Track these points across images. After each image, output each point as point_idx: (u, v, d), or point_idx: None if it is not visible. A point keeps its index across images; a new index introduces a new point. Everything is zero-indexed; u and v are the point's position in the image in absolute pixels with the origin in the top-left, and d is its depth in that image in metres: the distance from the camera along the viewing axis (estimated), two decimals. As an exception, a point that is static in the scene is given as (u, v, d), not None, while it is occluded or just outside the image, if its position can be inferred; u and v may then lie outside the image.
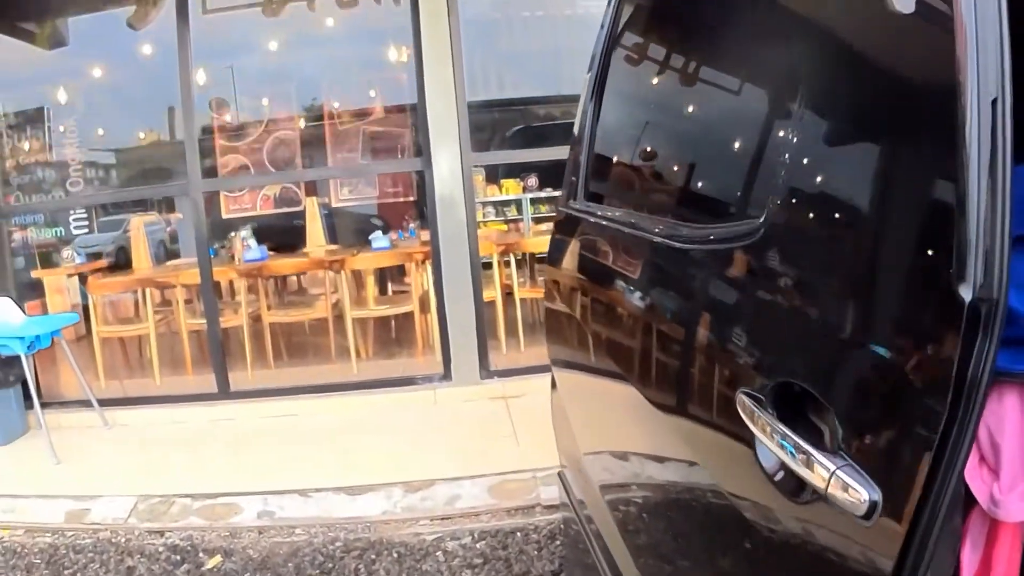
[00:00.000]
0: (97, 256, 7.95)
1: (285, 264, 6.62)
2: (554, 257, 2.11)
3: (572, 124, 2.12)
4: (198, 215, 5.26)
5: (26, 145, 6.72)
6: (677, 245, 1.31)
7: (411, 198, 8.36)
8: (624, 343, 1.59)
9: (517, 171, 8.37)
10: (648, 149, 1.81)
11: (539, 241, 6.07)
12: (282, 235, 7.64)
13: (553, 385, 2.30)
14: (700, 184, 1.50)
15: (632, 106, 1.97)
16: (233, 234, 7.06)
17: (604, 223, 1.80)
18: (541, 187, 8.37)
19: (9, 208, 5.84)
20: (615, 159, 2.05)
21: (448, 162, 4.97)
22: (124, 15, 5.92)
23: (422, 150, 5.11)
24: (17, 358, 4.91)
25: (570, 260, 2.00)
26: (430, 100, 4.96)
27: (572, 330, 1.99)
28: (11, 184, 6.30)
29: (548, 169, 7.17)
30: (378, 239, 6.41)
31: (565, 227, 2.07)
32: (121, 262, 8.29)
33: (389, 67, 7.82)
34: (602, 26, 1.98)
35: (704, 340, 1.17)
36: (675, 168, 1.68)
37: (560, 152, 3.81)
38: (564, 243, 2.04)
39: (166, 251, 8.92)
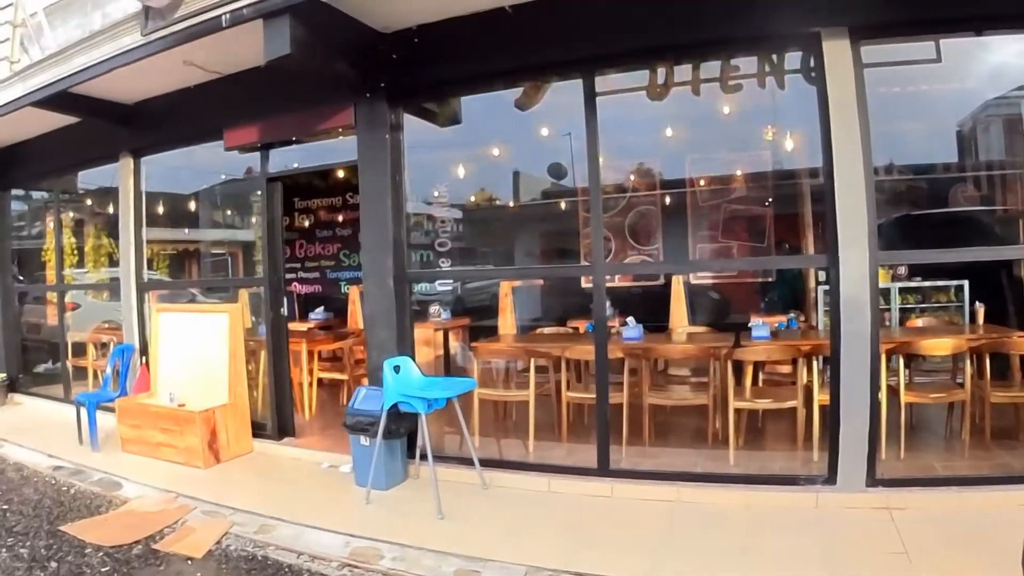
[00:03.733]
0: (461, 313, 8.78)
1: (671, 349, 6.87)
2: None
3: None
4: (599, 295, 5.66)
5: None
6: None
7: (769, 279, 8.43)
8: None
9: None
10: None
11: (936, 343, 5.83)
12: (642, 309, 7.97)
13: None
14: None
15: None
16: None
17: None
18: (911, 276, 8.05)
19: (414, 274, 6.65)
20: None
21: (856, 261, 4.93)
22: (512, 96, 6.52)
23: (811, 244, 5.10)
24: (411, 412, 5.54)
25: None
26: (840, 199, 4.96)
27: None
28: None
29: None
30: (758, 328, 6.47)
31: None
32: (483, 320, 9.07)
33: (756, 148, 8.00)
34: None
35: None
36: None
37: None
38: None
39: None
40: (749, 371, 6.27)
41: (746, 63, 6.04)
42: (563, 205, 9.55)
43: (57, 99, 7.42)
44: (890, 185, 8.47)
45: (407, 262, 6.49)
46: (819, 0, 4.90)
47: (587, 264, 6.23)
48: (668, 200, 8.92)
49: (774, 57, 5.93)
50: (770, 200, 9.11)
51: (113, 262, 9.86)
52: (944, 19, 4.83)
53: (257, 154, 7.30)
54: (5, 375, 10.50)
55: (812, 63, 5.20)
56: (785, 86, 5.99)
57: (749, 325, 6.61)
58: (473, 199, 9.47)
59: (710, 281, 9.27)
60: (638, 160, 8.66)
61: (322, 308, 9.95)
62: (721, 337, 6.87)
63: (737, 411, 5.90)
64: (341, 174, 9.25)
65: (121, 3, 9.29)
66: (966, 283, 8.11)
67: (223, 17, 5.56)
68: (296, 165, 7.32)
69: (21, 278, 11.16)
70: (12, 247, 10.96)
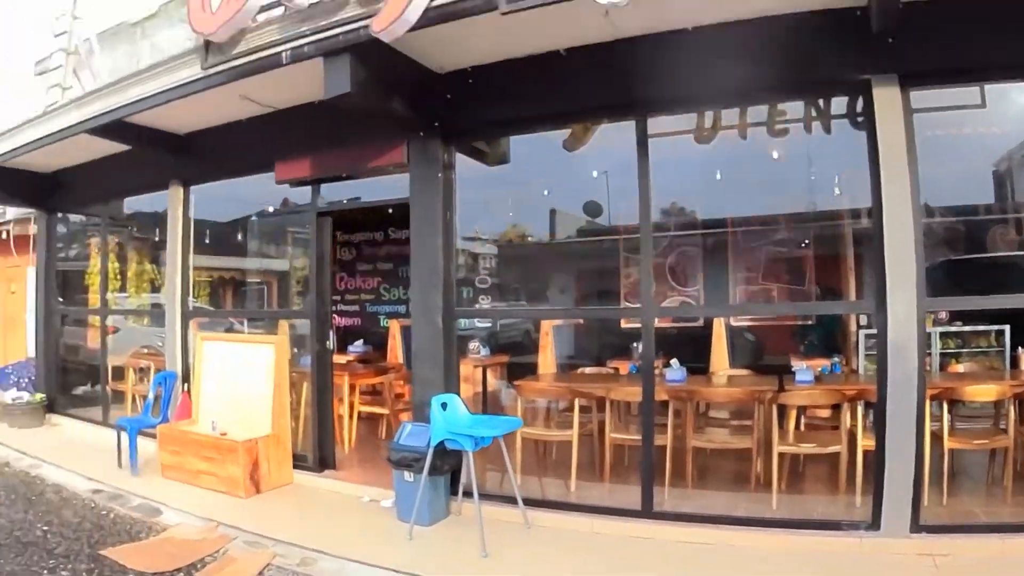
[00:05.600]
0: (497, 349, 8.90)
1: (716, 392, 6.96)
2: None
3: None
4: (648, 338, 5.77)
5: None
6: None
7: (809, 322, 8.49)
8: None
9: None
10: None
11: (981, 389, 5.87)
12: (681, 350, 8.04)
13: None
14: None
15: None
16: (635, 344, 7.56)
17: None
18: (951, 320, 8.07)
19: (462, 312, 6.78)
20: None
21: (904, 306, 5.00)
22: (560, 137, 6.69)
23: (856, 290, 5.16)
24: (456, 450, 5.64)
25: None
26: (889, 244, 5.05)
27: None
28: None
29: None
30: (802, 372, 6.53)
31: None
32: (517, 356, 9.18)
33: (798, 191, 8.10)
34: None
35: None
36: None
37: None
38: None
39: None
40: (792, 415, 6.33)
41: (793, 107, 6.16)
42: (600, 243, 9.68)
43: (111, 127, 7.70)
44: (933, 228, 8.52)
45: (455, 299, 6.63)
46: (871, 49, 4.99)
47: (637, 306, 6.32)
48: (709, 240, 9.03)
49: (821, 102, 6.04)
50: (808, 241, 9.19)
51: (155, 288, 10.11)
52: (994, 65, 4.95)
53: (291, 185, 7.51)
54: (44, 395, 10.74)
55: (859, 108, 5.34)
56: (831, 130, 6.08)
57: (792, 369, 6.67)
58: (508, 235, 9.63)
59: (748, 323, 9.34)
60: (681, 200, 8.78)
61: (361, 341, 10.12)
62: (763, 380, 6.93)
63: (780, 455, 5.95)
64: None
65: (168, 33, 9.64)
66: (1007, 328, 8.12)
67: (284, 54, 5.79)
68: (345, 200, 7.52)
69: (62, 299, 11.42)
70: (57, 268, 11.22)
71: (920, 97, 5.13)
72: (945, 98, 5.59)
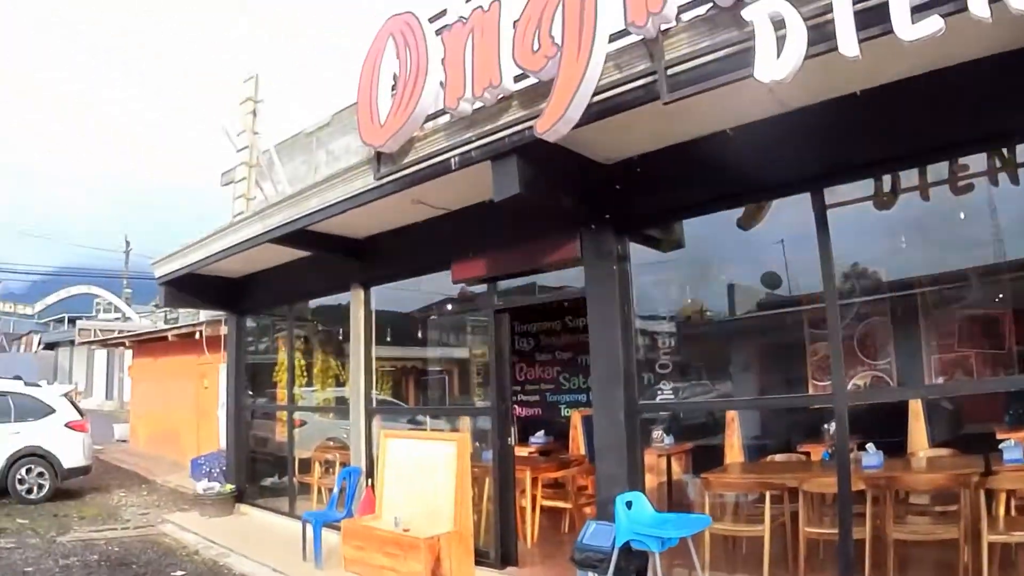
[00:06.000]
0: (679, 433, 8.60)
1: (918, 480, 6.47)
2: None
3: None
4: (841, 428, 5.41)
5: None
6: None
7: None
8: None
9: None
10: None
11: None
12: (872, 425, 7.50)
13: None
14: None
15: None
16: (825, 425, 7.12)
17: None
18: None
19: (645, 406, 6.61)
20: None
21: None
22: (734, 215, 6.48)
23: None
24: (642, 550, 5.44)
25: None
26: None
27: None
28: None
29: None
30: (1010, 449, 5.95)
31: None
32: (700, 438, 8.84)
33: (989, 245, 7.51)
34: None
35: None
36: None
37: None
38: None
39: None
40: (1003, 499, 5.74)
41: (975, 160, 5.72)
42: (781, 316, 9.28)
43: (292, 236, 8.15)
44: None
45: (638, 393, 6.49)
46: None
47: (827, 393, 5.98)
48: (897, 306, 8.47)
49: (1004, 152, 5.59)
50: (1003, 296, 8.43)
51: (339, 382, 10.50)
52: None
53: (467, 284, 7.67)
54: (233, 486, 11.28)
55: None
56: (1020, 181, 5.61)
57: (1000, 446, 6.07)
58: (686, 312, 9.42)
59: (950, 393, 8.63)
60: (865, 268, 8.32)
61: (542, 432, 10.08)
62: (967, 461, 6.38)
63: (990, 544, 5.39)
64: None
65: (342, 141, 10.21)
66: None
67: (452, 160, 5.97)
68: (521, 296, 7.68)
69: (251, 391, 12.07)
70: (247, 362, 11.90)
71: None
72: None
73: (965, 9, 3.75)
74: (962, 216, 6.84)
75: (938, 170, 5.86)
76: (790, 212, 6.12)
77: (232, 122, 11.88)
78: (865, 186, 6.09)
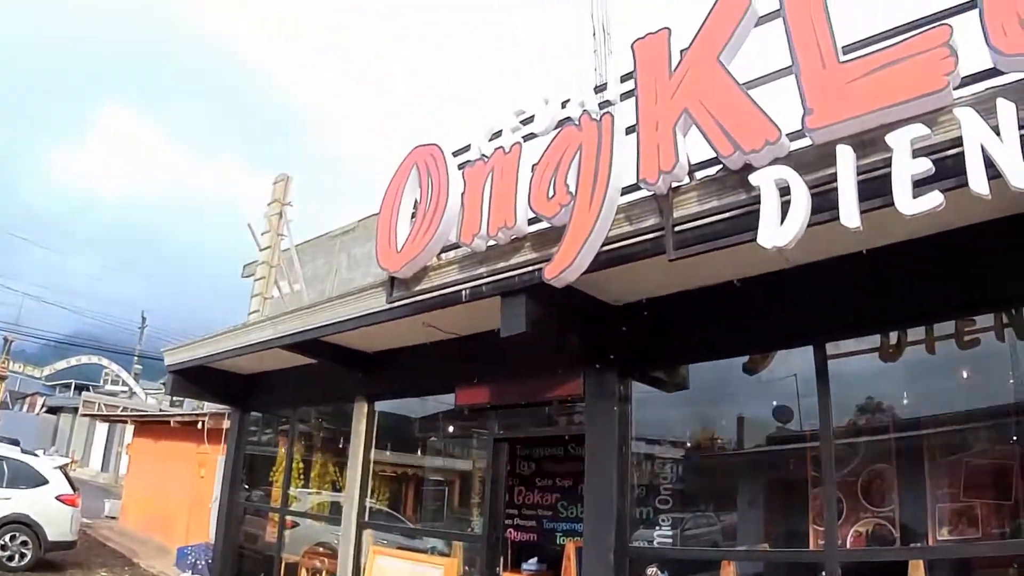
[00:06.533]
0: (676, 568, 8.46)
1: None
2: None
3: None
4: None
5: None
6: None
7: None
8: None
9: None
10: None
11: None
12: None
13: None
14: None
15: None
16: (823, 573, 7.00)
17: None
18: None
19: (637, 550, 6.57)
20: None
21: None
22: (740, 361, 6.65)
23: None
24: None
25: None
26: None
27: None
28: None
29: None
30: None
31: None
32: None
33: (996, 396, 7.54)
34: None
35: None
36: None
37: None
38: None
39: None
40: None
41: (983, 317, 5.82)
42: (789, 452, 9.21)
43: (303, 345, 8.28)
44: None
45: (630, 534, 6.49)
46: None
47: (818, 550, 5.95)
48: (903, 453, 8.42)
49: (1012, 310, 5.69)
50: (1010, 443, 8.37)
51: (336, 488, 10.45)
52: None
53: (468, 411, 7.75)
54: (217, 584, 11.13)
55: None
56: None
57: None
58: (696, 440, 9.40)
59: (954, 539, 8.46)
60: (872, 411, 8.32)
61: (535, 560, 9.91)
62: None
63: None
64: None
65: (367, 247, 10.44)
66: None
67: (463, 293, 6.13)
68: (521, 427, 7.74)
69: (247, 484, 12.00)
70: (245, 452, 11.88)
71: None
72: None
73: (965, 185, 3.91)
74: (969, 367, 6.88)
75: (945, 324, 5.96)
76: (799, 358, 6.19)
77: (259, 220, 12.19)
78: (871, 338, 6.20)
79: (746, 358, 6.57)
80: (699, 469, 9.45)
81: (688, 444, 9.02)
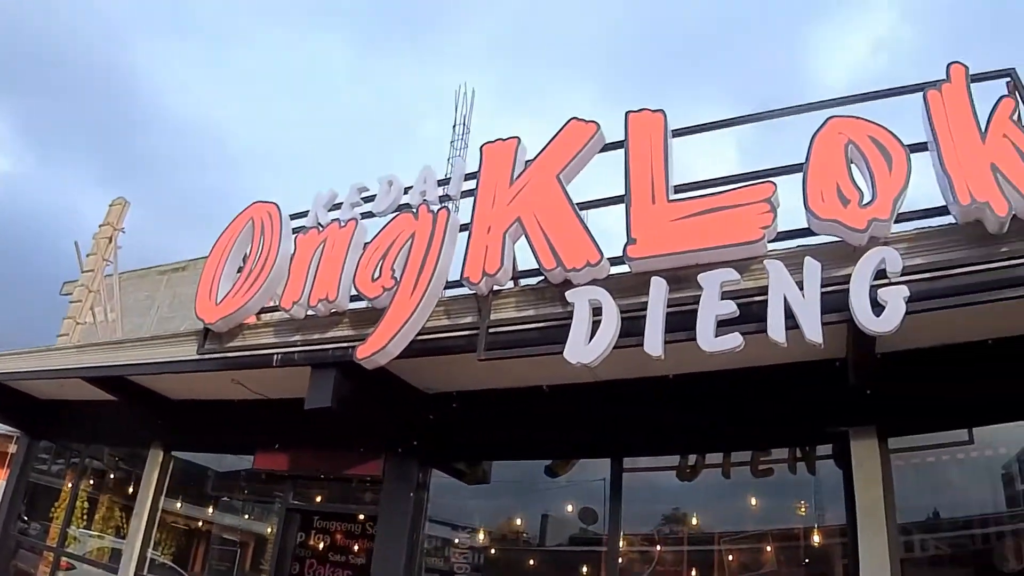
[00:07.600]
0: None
1: None
2: None
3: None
4: None
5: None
6: None
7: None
8: None
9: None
10: None
11: None
12: None
13: None
14: None
15: None
16: None
17: None
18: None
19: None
20: None
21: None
22: (543, 464, 6.78)
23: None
24: None
25: None
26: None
27: None
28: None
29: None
30: None
31: None
32: None
33: (787, 522, 7.99)
34: None
35: None
36: None
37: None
38: None
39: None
40: None
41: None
42: (588, 555, 9.38)
43: (107, 381, 7.90)
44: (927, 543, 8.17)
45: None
46: (849, 401, 5.09)
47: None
48: (695, 567, 8.75)
49: (806, 447, 6.07)
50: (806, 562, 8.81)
51: (120, 534, 9.87)
52: (979, 409, 4.95)
53: (265, 476, 7.64)
54: (-23, 617, 10.26)
55: (841, 451, 5.35)
56: (816, 471, 6.05)
57: None
58: (494, 532, 9.46)
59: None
60: (663, 530, 8.63)
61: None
62: None
63: None
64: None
65: (193, 289, 10.13)
66: None
67: (275, 357, 6.06)
68: (317, 501, 7.64)
69: (26, 518, 11.18)
70: (28, 480, 11.09)
71: (901, 440, 5.15)
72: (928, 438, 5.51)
73: (764, 332, 4.22)
74: (754, 499, 7.23)
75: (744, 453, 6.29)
76: (598, 468, 6.37)
77: (87, 241, 11.65)
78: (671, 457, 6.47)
79: (549, 461, 6.71)
80: (499, 561, 9.48)
81: (491, 534, 9.07)
